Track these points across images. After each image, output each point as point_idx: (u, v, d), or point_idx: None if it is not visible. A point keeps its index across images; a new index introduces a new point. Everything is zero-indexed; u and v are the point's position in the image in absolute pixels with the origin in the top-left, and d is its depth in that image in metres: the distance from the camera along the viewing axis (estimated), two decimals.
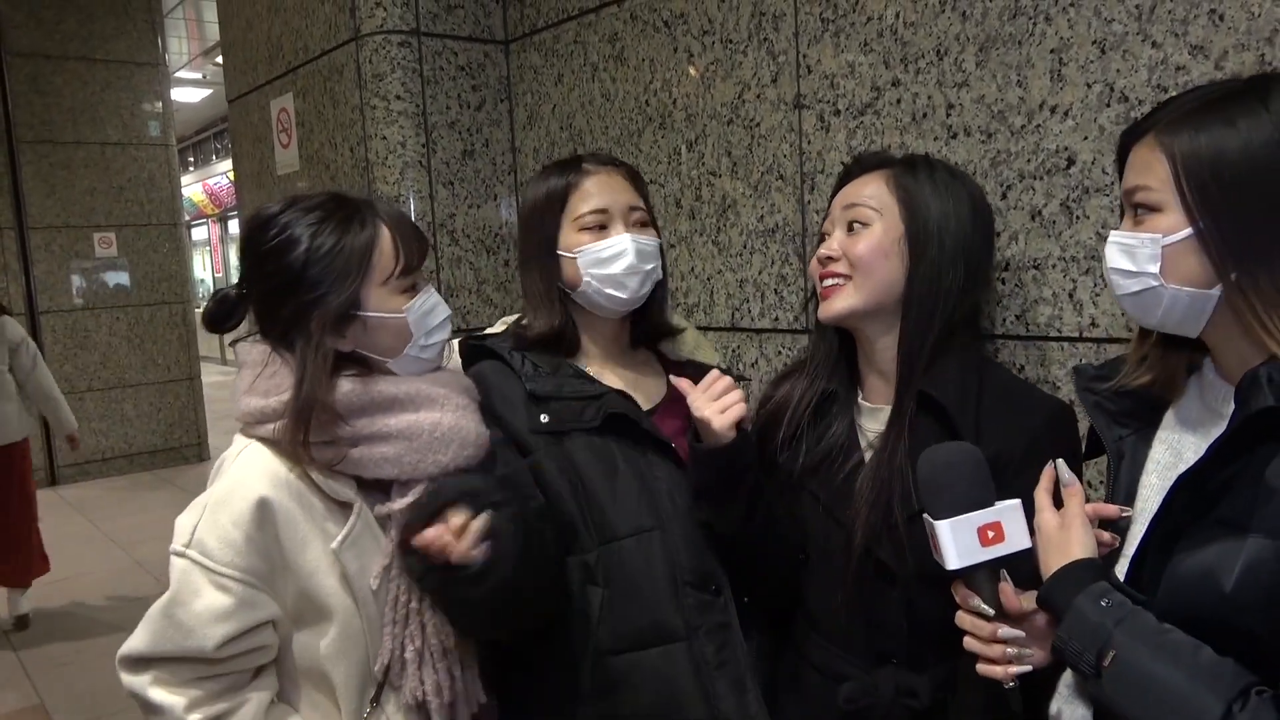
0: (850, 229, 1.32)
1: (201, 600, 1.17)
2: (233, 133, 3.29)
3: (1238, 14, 1.25)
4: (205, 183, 16.73)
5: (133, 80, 7.53)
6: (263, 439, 1.24)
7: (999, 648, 1.02)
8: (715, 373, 1.34)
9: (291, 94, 2.84)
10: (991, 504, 1.02)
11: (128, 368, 7.54)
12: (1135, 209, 0.98)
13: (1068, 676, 1.03)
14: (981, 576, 1.03)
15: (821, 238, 1.39)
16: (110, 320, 7.48)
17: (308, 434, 1.19)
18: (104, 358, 7.43)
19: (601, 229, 1.43)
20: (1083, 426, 1.28)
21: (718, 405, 1.29)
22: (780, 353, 1.97)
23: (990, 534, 1.00)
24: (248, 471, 1.22)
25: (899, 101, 1.67)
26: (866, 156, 1.40)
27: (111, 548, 5.46)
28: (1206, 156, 0.91)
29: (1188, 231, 0.92)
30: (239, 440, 1.28)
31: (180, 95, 11.91)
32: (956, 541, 1.00)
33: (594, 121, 2.36)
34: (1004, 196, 1.53)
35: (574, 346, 1.47)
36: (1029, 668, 1.02)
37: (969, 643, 1.05)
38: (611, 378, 1.46)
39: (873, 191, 1.32)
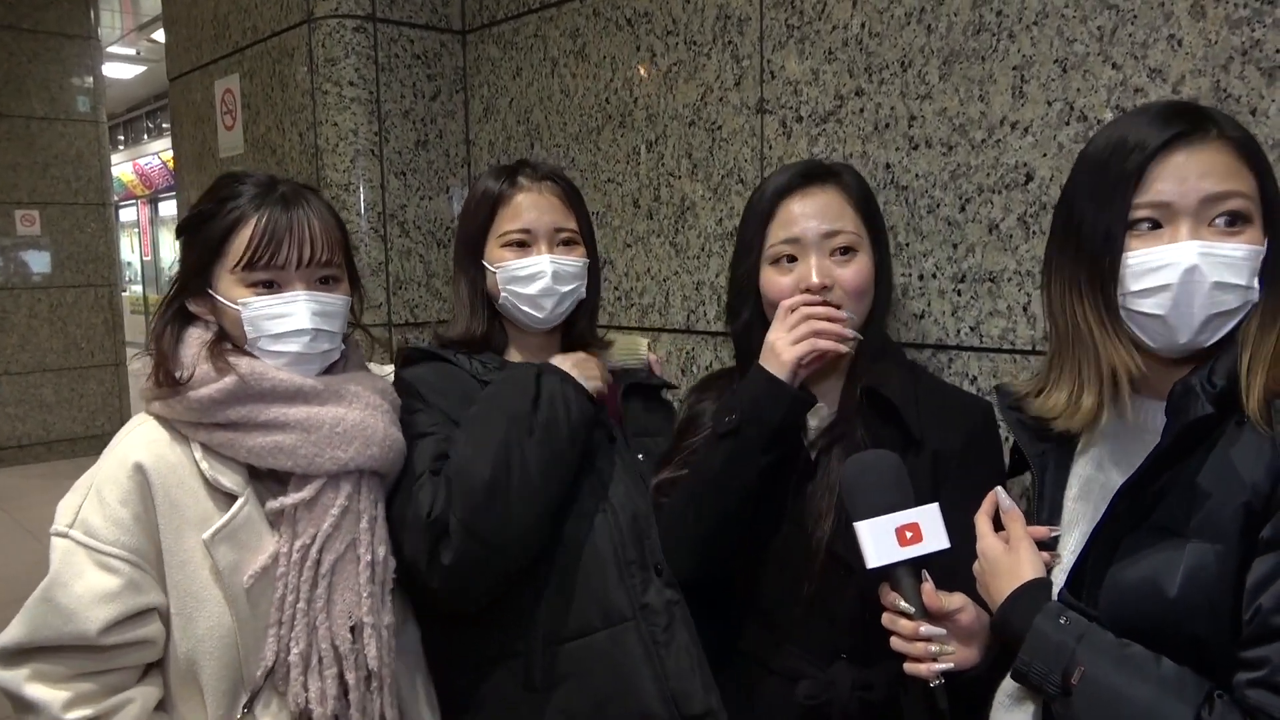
0: (832, 256, 1.29)
1: (83, 581, 1.11)
2: (173, 112, 3.18)
3: (1196, 40, 1.28)
4: (136, 162, 16.16)
5: (62, 53, 7.23)
6: (156, 415, 1.22)
7: (922, 646, 1.06)
8: (802, 296, 1.27)
9: (238, 75, 2.75)
10: (910, 507, 1.07)
11: (48, 351, 7.23)
12: (1229, 217, 0.92)
13: (1007, 685, 1.05)
14: (903, 576, 1.08)
15: (756, 256, 1.33)
16: (31, 301, 7.17)
17: (172, 390, 1.16)
18: (23, 340, 7.12)
19: (522, 246, 1.46)
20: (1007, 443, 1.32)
21: (789, 334, 1.24)
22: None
23: (908, 534, 1.05)
24: (134, 445, 1.18)
25: (862, 111, 1.68)
26: (815, 168, 1.35)
27: (28, 539, 5.24)
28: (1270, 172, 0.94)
29: (1267, 244, 0.93)
30: (136, 418, 1.24)
31: (112, 71, 11.47)
32: (875, 541, 1.05)
33: (552, 117, 2.33)
34: (962, 209, 1.55)
35: (501, 349, 1.51)
36: (951, 665, 1.05)
37: (894, 642, 1.09)
38: None
39: (845, 214, 1.32)
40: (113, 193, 7.75)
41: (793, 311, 1.26)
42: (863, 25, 1.67)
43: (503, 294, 1.46)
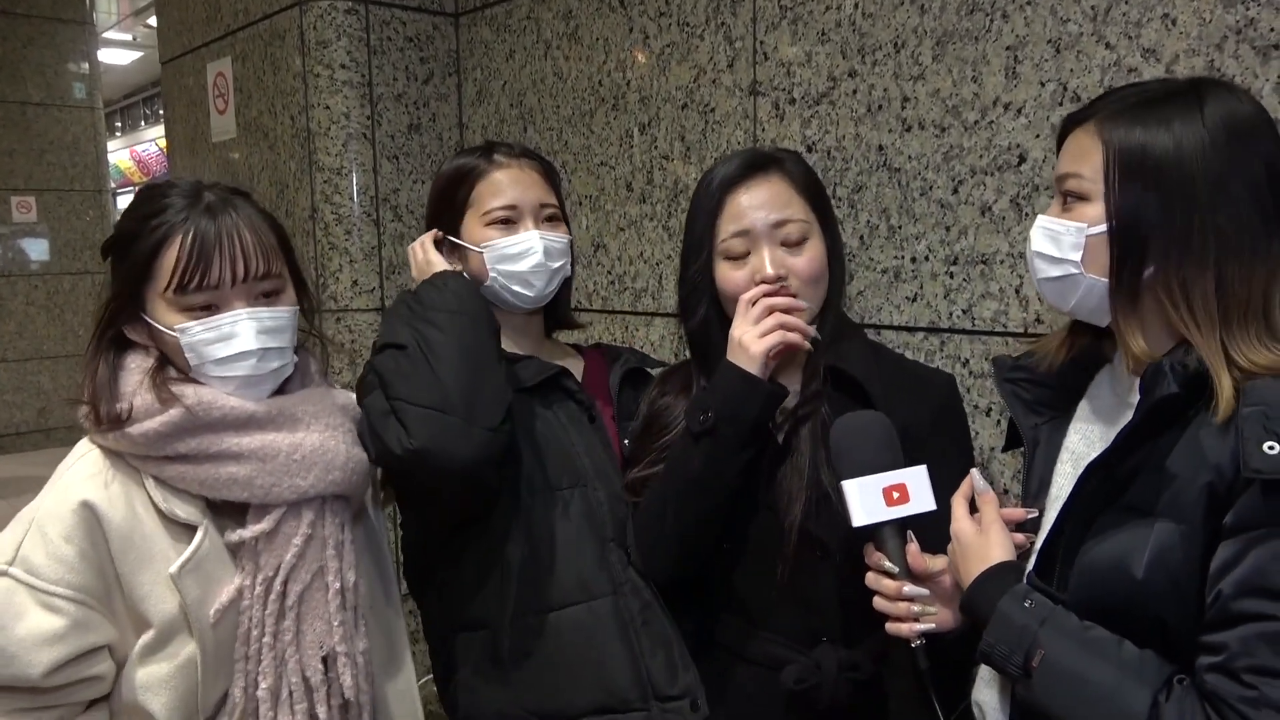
0: (785, 246, 1.28)
1: (25, 623, 1.04)
2: (165, 96, 3.16)
3: (1190, 20, 1.27)
4: (133, 149, 16.11)
5: (57, 38, 7.19)
6: (104, 446, 1.13)
7: (904, 606, 1.07)
8: (760, 288, 1.25)
9: (230, 58, 2.73)
10: (899, 468, 1.07)
11: (45, 339, 7.22)
12: (1065, 196, 0.99)
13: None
14: (888, 536, 1.09)
15: (707, 253, 1.32)
16: (27, 289, 7.15)
17: (113, 427, 1.08)
18: (20, 327, 7.10)
19: (509, 224, 1.42)
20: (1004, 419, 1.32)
21: (755, 328, 1.22)
22: None
23: (895, 494, 1.05)
24: (78, 480, 1.10)
25: (855, 92, 1.67)
26: (756, 159, 1.32)
27: None
28: (1136, 152, 0.93)
29: (1111, 224, 0.94)
30: (80, 446, 1.15)
31: (108, 57, 11.42)
32: (863, 500, 1.06)
33: (545, 100, 2.32)
34: (955, 191, 1.54)
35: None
36: (933, 626, 1.06)
37: (877, 601, 1.10)
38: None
39: (794, 203, 1.30)
40: (110, 179, 7.73)
41: (754, 305, 1.24)
42: (856, 6, 1.65)
43: (491, 273, 1.41)
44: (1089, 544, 0.95)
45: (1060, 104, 1.40)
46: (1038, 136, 1.43)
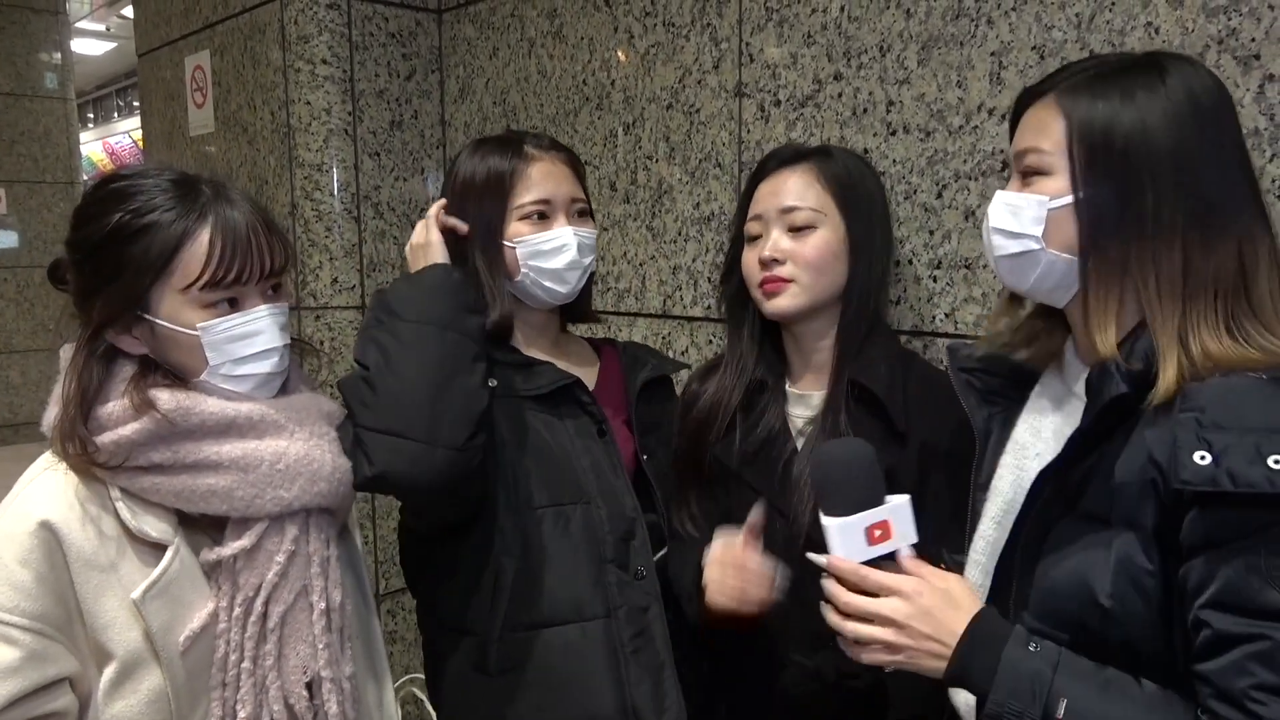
0: (791, 231, 1.34)
1: None
2: (142, 89, 3.12)
3: (1172, 29, 1.28)
4: (106, 141, 15.86)
5: (28, 27, 7.07)
6: (70, 459, 1.05)
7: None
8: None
9: (209, 51, 2.70)
10: (880, 502, 1.01)
11: (15, 333, 7.10)
12: (1024, 171, 0.96)
13: None
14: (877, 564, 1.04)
15: (742, 234, 1.40)
16: None
17: (83, 445, 1.01)
18: None
19: (543, 219, 1.39)
20: None
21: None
22: (711, 341, 1.96)
23: (877, 533, 1.00)
24: (37, 498, 1.02)
25: (840, 95, 1.68)
26: (782, 152, 1.42)
27: None
28: (1100, 125, 0.90)
29: (1073, 197, 0.92)
30: (41, 460, 1.08)
31: (81, 47, 11.23)
32: (843, 540, 1.00)
33: (529, 99, 2.31)
34: (939, 195, 1.55)
35: (507, 333, 1.44)
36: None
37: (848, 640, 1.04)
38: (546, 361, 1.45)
39: (809, 192, 1.35)
40: (82, 171, 7.61)
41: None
42: (842, 9, 1.66)
43: (523, 269, 1.38)
44: (1048, 558, 0.92)
45: None
46: None
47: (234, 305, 1.08)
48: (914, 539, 1.03)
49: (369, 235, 2.44)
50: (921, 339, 1.60)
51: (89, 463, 1.03)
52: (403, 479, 1.18)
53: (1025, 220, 0.94)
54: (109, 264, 1.06)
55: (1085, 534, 0.89)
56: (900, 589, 0.94)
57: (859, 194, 1.36)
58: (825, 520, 1.03)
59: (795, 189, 1.35)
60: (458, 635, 1.35)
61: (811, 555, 1.05)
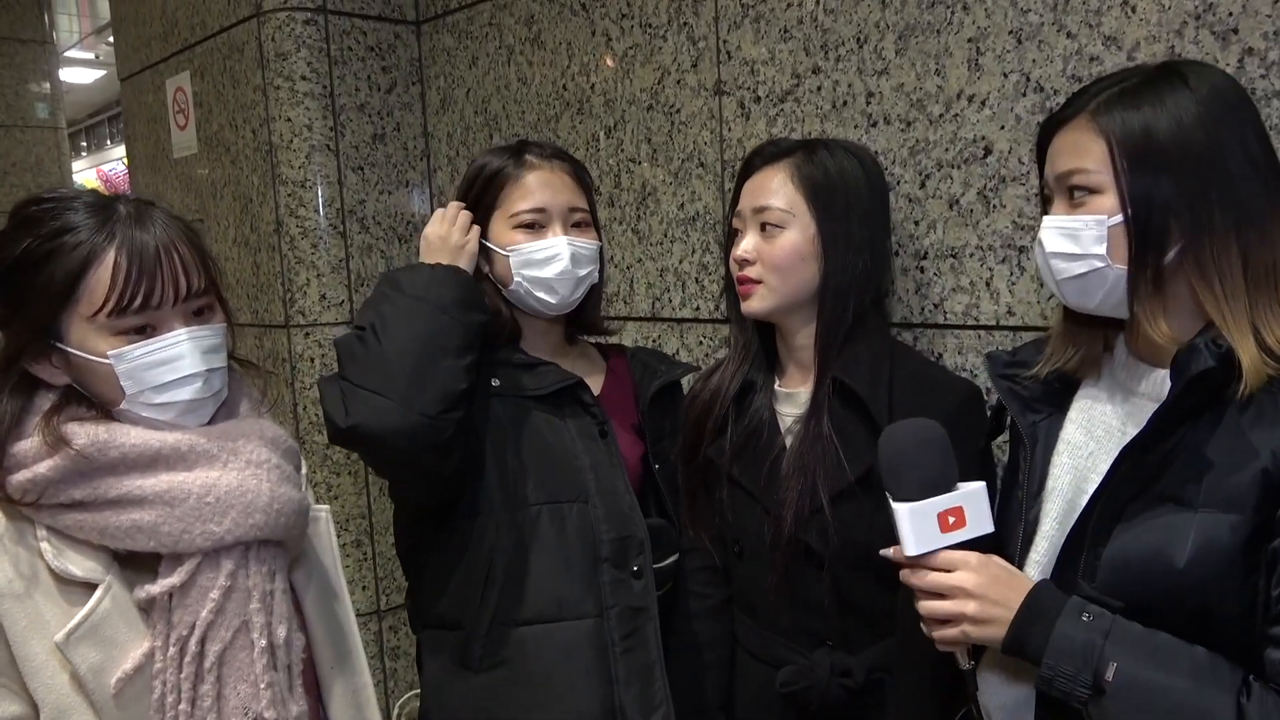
0: (763, 230, 1.34)
1: None
2: (126, 113, 3.11)
3: (1149, 6, 1.27)
4: (99, 169, 15.91)
5: (17, 58, 7.09)
6: None
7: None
8: None
9: (189, 72, 2.69)
10: (954, 487, 0.96)
11: None
12: (1071, 192, 0.97)
13: (996, 660, 1.02)
14: None
15: (733, 231, 1.40)
16: None
17: (3, 476, 0.96)
18: None
19: (538, 228, 1.39)
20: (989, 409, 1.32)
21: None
22: (701, 342, 1.94)
23: (951, 519, 0.96)
24: None
25: (819, 89, 1.66)
26: (766, 148, 1.40)
27: None
28: (1139, 133, 0.92)
29: (1129, 210, 0.93)
30: None
31: (71, 76, 11.28)
32: (915, 528, 0.95)
33: (510, 106, 2.30)
34: (922, 185, 1.54)
35: (515, 335, 1.45)
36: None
37: (928, 619, 1.00)
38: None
39: (781, 191, 1.33)
40: None
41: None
42: (818, 2, 1.64)
43: (515, 278, 1.39)
44: (1121, 537, 0.93)
45: (1023, 94, 1.40)
46: (1002, 128, 1.43)
47: (150, 331, 1.02)
48: (989, 528, 0.97)
49: (355, 250, 2.42)
50: (911, 331, 1.58)
51: (8, 500, 0.98)
52: (372, 433, 1.22)
53: (1087, 241, 0.95)
54: (17, 291, 1.01)
55: (1163, 513, 0.90)
56: (967, 561, 0.96)
57: (834, 192, 1.32)
58: (895, 505, 0.97)
59: (769, 188, 1.34)
60: (443, 629, 1.36)
61: (883, 551, 1.01)
